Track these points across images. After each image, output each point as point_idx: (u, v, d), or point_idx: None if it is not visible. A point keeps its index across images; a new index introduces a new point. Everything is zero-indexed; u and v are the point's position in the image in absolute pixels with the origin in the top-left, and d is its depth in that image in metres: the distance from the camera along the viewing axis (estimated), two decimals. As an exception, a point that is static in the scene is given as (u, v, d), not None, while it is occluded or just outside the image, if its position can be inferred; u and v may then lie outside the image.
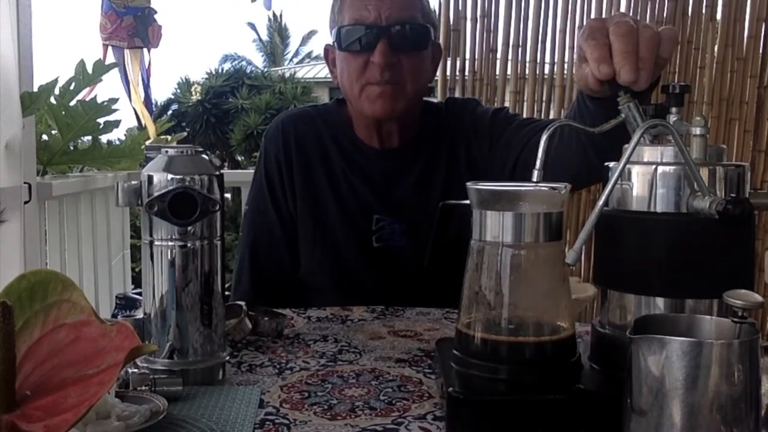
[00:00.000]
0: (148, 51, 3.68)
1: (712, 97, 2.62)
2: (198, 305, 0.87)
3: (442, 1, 2.59)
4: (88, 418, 0.68)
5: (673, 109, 0.78)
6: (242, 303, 1.08)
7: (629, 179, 0.76)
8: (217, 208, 0.88)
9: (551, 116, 2.65)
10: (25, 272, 0.56)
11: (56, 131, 2.65)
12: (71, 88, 2.61)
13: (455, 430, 0.74)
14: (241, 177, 2.94)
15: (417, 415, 0.79)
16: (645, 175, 0.75)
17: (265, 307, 1.14)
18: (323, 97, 11.42)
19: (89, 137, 2.77)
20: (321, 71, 15.27)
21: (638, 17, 2.56)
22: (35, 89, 2.19)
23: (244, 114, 9.62)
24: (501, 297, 0.78)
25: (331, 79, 1.46)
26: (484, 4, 2.61)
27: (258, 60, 22.37)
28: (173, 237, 0.87)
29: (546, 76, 2.65)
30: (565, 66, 2.63)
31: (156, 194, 0.85)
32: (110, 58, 3.48)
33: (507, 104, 2.64)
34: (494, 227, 0.78)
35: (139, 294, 1.87)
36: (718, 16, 2.61)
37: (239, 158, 10.29)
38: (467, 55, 2.64)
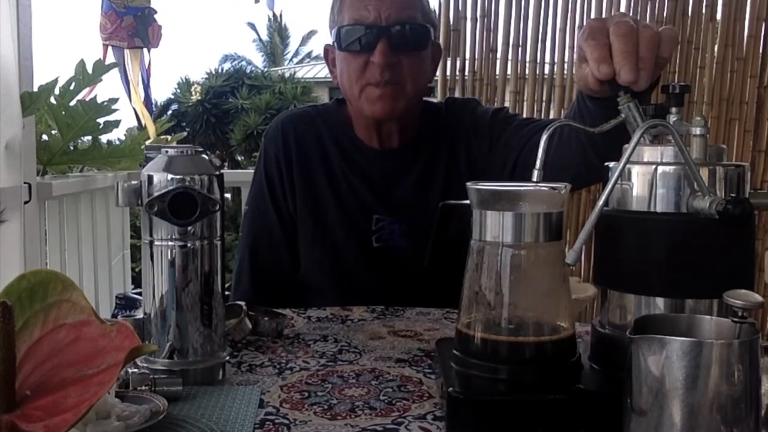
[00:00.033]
0: (148, 51, 3.68)
1: (712, 97, 2.62)
2: (198, 305, 0.87)
3: (442, 1, 2.60)
4: (88, 418, 0.68)
5: (673, 109, 0.78)
6: (242, 303, 1.08)
7: (629, 179, 0.76)
8: (217, 208, 0.88)
9: (551, 116, 2.65)
10: (25, 272, 0.56)
11: (56, 131, 2.65)
12: (71, 88, 2.61)
13: (455, 430, 0.74)
14: (241, 177, 2.94)
15: (417, 415, 0.79)
16: (645, 175, 0.75)
17: (265, 307, 1.14)
18: (323, 97, 11.42)
19: (89, 137, 2.77)
20: (321, 71, 15.27)
21: (638, 17, 2.56)
22: (35, 89, 2.19)
23: (244, 114, 9.63)
24: (501, 297, 0.78)
25: (331, 79, 1.46)
26: (484, 4, 2.61)
27: (258, 60, 22.39)
28: (173, 237, 0.87)
29: (546, 76, 2.65)
30: (565, 66, 2.63)
31: (156, 194, 0.85)
32: (110, 58, 3.48)
33: (507, 104, 2.64)
34: (494, 227, 0.78)
35: (139, 294, 1.87)
36: (718, 16, 2.61)
37: (239, 158, 10.29)
38: (467, 55, 2.64)
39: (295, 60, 23.67)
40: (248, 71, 11.48)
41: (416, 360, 0.99)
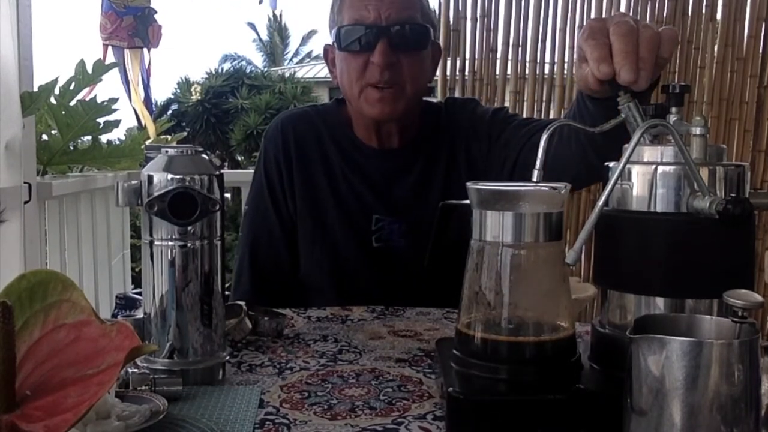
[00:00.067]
0: (148, 51, 3.69)
1: (712, 97, 2.62)
2: (198, 305, 0.87)
3: (442, 1, 2.59)
4: (88, 418, 0.68)
5: (673, 109, 0.78)
6: (242, 303, 1.08)
7: (629, 179, 0.76)
8: (217, 208, 0.88)
9: (551, 116, 2.65)
10: (25, 272, 0.56)
11: (56, 131, 2.65)
12: (71, 88, 2.61)
13: (455, 430, 0.74)
14: (241, 177, 2.94)
15: (417, 415, 0.79)
16: (645, 175, 0.75)
17: (265, 307, 1.14)
18: (323, 97, 11.42)
19: (89, 137, 2.77)
20: (321, 71, 15.26)
21: (638, 17, 2.56)
22: (35, 89, 2.19)
23: (244, 114, 9.63)
24: (501, 297, 0.78)
25: (331, 79, 1.46)
26: (484, 4, 2.61)
27: (258, 60, 22.39)
28: (173, 237, 0.87)
29: (546, 76, 2.65)
30: (565, 66, 2.63)
31: (156, 194, 0.85)
32: (110, 58, 3.48)
33: (507, 104, 2.64)
34: (494, 227, 0.78)
35: (139, 294, 1.87)
36: (718, 16, 2.61)
37: (239, 158, 10.29)
38: (467, 55, 2.64)
39: (295, 60, 23.68)
40: (248, 71, 11.48)
41: (416, 360, 0.99)
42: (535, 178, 0.80)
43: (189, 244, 0.87)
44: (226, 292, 0.96)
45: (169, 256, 0.87)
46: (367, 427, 0.76)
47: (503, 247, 0.77)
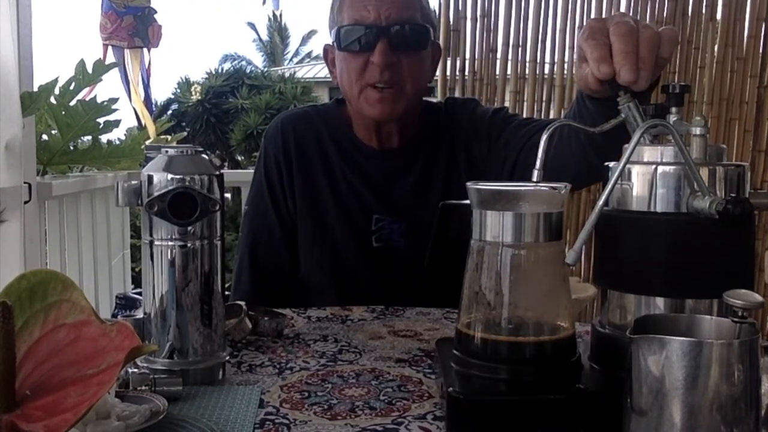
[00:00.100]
0: (148, 51, 3.69)
1: (712, 97, 2.62)
2: (198, 305, 0.87)
3: (442, 1, 2.59)
4: (88, 418, 0.68)
5: (673, 109, 0.78)
6: (242, 303, 1.08)
7: (629, 179, 0.76)
8: (217, 208, 0.88)
9: (551, 116, 2.65)
10: (25, 272, 0.56)
11: (56, 131, 2.65)
12: (71, 88, 2.61)
13: (455, 430, 0.74)
14: (241, 177, 2.94)
15: (417, 415, 0.79)
16: (645, 175, 0.75)
17: (265, 307, 1.14)
18: (323, 97, 11.42)
19: (89, 137, 2.77)
20: (321, 71, 15.26)
21: (638, 17, 2.56)
22: (35, 89, 2.19)
23: (244, 114, 9.63)
24: (501, 297, 0.78)
25: (331, 79, 1.46)
26: (484, 4, 2.61)
27: (258, 60, 22.39)
28: (173, 237, 0.87)
29: (546, 76, 2.65)
30: (565, 66, 2.63)
31: (156, 194, 0.85)
32: (110, 58, 3.48)
33: (507, 104, 2.64)
34: (494, 227, 0.78)
35: (139, 294, 1.87)
36: (718, 16, 2.61)
37: (239, 158, 10.29)
38: (467, 55, 2.64)
39: (295, 60, 23.68)
40: (248, 71, 11.48)
41: (416, 360, 0.99)
42: (535, 178, 0.80)
43: (189, 244, 0.87)
44: (226, 292, 0.96)
45: (169, 256, 0.87)
46: (367, 427, 0.76)
47: (503, 247, 0.77)
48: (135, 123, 3.83)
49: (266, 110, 9.35)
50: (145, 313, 0.89)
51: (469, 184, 0.80)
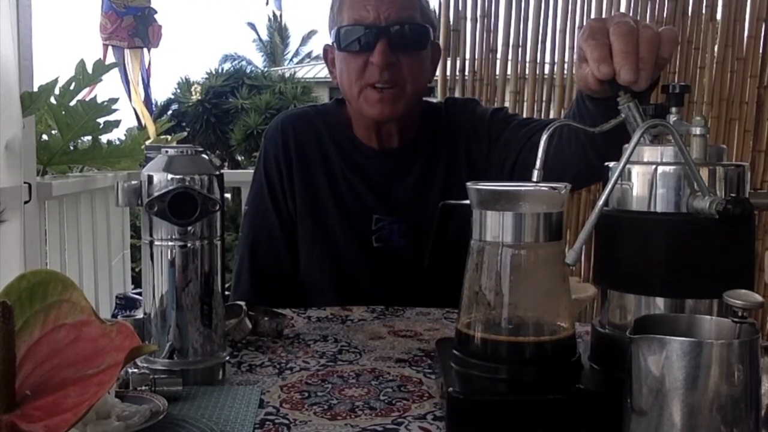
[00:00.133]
0: (148, 51, 3.69)
1: (712, 97, 2.62)
2: (198, 305, 0.87)
3: (442, 1, 2.59)
4: (88, 418, 0.68)
5: (673, 109, 0.78)
6: (242, 303, 1.08)
7: (629, 179, 0.76)
8: (217, 208, 0.88)
9: (551, 116, 2.65)
10: (25, 272, 0.56)
11: (56, 131, 2.65)
12: (71, 88, 2.61)
13: (455, 430, 0.74)
14: (241, 177, 2.94)
15: (417, 415, 0.79)
16: (645, 175, 0.75)
17: (265, 307, 1.14)
18: (323, 97, 11.42)
19: (89, 137, 2.77)
20: (321, 71, 15.26)
21: (638, 17, 2.56)
22: (35, 89, 2.19)
23: (244, 114, 9.63)
24: (501, 297, 0.78)
25: (331, 79, 1.46)
26: (484, 4, 2.61)
27: (258, 60, 22.38)
28: (173, 237, 0.87)
29: (546, 76, 2.65)
30: (565, 66, 2.63)
31: (156, 194, 0.85)
32: (110, 58, 3.48)
33: (507, 104, 2.64)
34: (494, 227, 0.78)
35: (139, 294, 1.87)
36: (718, 16, 2.61)
37: (239, 158, 10.29)
38: (467, 55, 2.64)
39: (295, 60, 23.67)
40: (248, 71, 11.48)
41: (416, 360, 0.99)
42: (535, 178, 0.80)
43: (189, 244, 0.87)
44: (226, 292, 0.96)
45: (169, 256, 0.87)
46: (367, 427, 0.76)
47: (503, 247, 0.77)
48: (135, 123, 3.84)
49: (266, 110, 9.35)
50: (145, 313, 0.89)
51: (469, 184, 0.80)
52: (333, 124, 1.46)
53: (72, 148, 2.81)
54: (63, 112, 2.59)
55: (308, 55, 24.16)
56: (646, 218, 0.75)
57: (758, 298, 0.62)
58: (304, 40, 24.90)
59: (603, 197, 0.72)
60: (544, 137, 0.81)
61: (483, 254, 0.79)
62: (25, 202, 2.04)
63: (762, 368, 0.61)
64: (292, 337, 1.11)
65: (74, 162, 2.86)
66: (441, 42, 2.51)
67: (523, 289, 0.79)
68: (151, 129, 3.50)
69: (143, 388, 0.80)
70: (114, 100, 2.64)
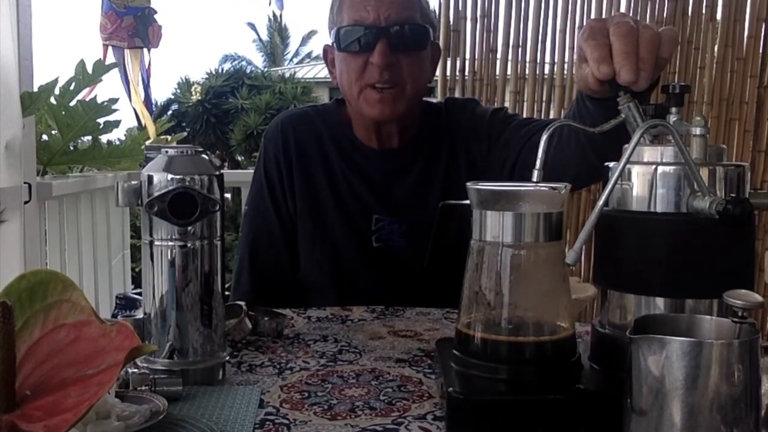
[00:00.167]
0: (148, 51, 3.69)
1: (712, 97, 2.62)
2: (198, 305, 0.87)
3: (442, 1, 2.59)
4: (88, 418, 0.68)
5: (673, 109, 0.78)
6: (242, 303, 1.08)
7: (629, 179, 0.76)
8: (217, 208, 0.88)
9: (551, 116, 2.65)
10: (25, 272, 0.56)
11: (56, 131, 2.65)
12: (71, 88, 2.61)
13: (455, 430, 0.74)
14: (241, 177, 2.94)
15: (417, 415, 0.79)
16: (645, 175, 0.75)
17: (265, 307, 1.14)
18: (323, 97, 11.42)
19: (89, 137, 2.77)
20: (321, 71, 15.25)
21: (638, 17, 2.56)
22: (35, 89, 2.19)
23: (244, 114, 9.62)
24: (501, 297, 0.78)
25: (331, 79, 1.46)
26: (484, 4, 2.61)
27: (258, 60, 22.37)
28: (173, 237, 0.87)
29: (546, 76, 2.65)
30: (565, 66, 2.63)
31: (156, 194, 0.85)
32: (110, 58, 3.48)
33: (507, 104, 2.64)
34: (494, 227, 0.78)
35: (139, 294, 1.87)
36: (718, 16, 2.61)
37: (239, 158, 10.29)
38: (467, 55, 2.64)
39: (295, 60, 23.67)
40: (248, 71, 11.47)
41: (416, 360, 0.99)
42: (535, 178, 0.80)
43: (189, 244, 0.87)
44: (226, 292, 0.96)
45: (169, 256, 0.87)
46: (367, 427, 0.76)
47: (503, 247, 0.77)
48: (135, 123, 3.84)
49: (266, 110, 9.35)
50: (145, 313, 0.89)
51: (469, 185, 0.80)
52: (333, 124, 1.46)
53: (72, 148, 2.81)
54: (63, 112, 2.59)
55: (308, 55, 24.16)
56: (646, 218, 0.75)
57: (758, 298, 0.62)
58: (304, 40, 24.92)
59: (603, 197, 0.72)
60: (544, 137, 0.81)
61: (483, 254, 0.79)
62: (25, 202, 2.04)
63: (762, 368, 0.61)
64: (292, 337, 1.11)
65: (74, 162, 2.86)
66: (441, 42, 2.51)
67: (523, 289, 0.79)
68: (151, 129, 3.50)
69: (143, 388, 0.80)
70: (114, 100, 2.64)
